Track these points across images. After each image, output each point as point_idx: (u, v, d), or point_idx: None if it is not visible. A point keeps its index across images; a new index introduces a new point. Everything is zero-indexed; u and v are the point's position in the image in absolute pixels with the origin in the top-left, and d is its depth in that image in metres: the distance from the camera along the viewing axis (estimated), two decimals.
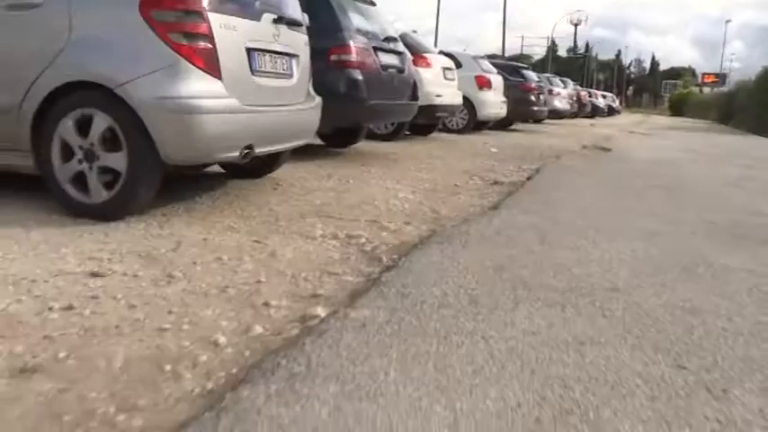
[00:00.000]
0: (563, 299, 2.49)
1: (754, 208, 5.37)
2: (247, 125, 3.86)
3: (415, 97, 7.61)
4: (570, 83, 26.08)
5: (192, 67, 3.45)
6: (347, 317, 2.22)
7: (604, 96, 39.40)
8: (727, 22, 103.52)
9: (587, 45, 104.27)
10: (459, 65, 12.39)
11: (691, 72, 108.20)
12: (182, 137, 3.43)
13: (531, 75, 16.09)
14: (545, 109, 15.97)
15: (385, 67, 6.81)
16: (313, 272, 2.93)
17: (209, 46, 3.54)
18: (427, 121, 10.18)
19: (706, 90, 70.05)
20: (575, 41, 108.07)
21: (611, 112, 38.27)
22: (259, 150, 4.06)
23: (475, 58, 12.97)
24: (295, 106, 4.57)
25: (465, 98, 12.11)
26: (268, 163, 5.07)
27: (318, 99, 5.00)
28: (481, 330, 2.11)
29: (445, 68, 10.14)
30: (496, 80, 13.03)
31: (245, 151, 3.87)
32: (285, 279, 2.80)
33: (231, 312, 2.37)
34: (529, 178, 6.47)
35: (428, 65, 9.55)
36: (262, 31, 4.10)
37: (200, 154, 3.62)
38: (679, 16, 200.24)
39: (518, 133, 14.58)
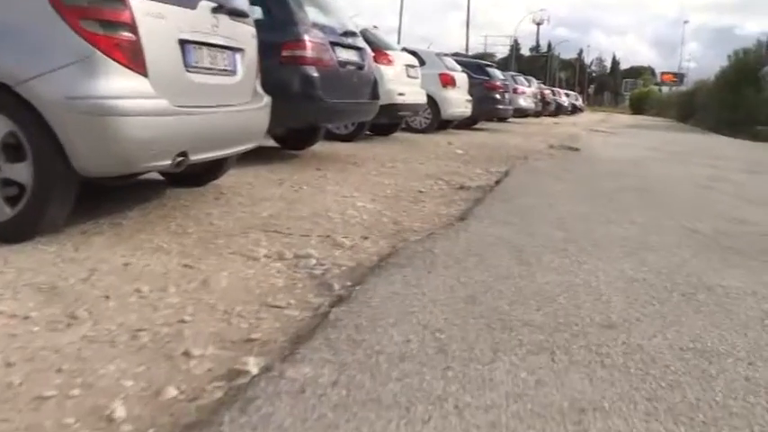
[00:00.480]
0: (551, 341, 2.05)
1: (734, 214, 5.03)
2: (180, 129, 3.36)
3: (375, 96, 7.15)
4: (534, 81, 25.89)
5: (111, 61, 2.93)
6: (283, 376, 1.76)
7: (568, 95, 39.41)
8: (685, 22, 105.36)
9: (549, 44, 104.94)
10: (422, 62, 11.96)
11: (650, 71, 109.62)
12: (97, 144, 2.92)
13: (497, 73, 15.76)
14: (510, 108, 15.65)
15: (343, 64, 6.33)
16: (251, 305, 2.46)
17: (132, 37, 3.03)
18: (389, 121, 9.73)
19: (665, 89, 70.96)
20: (537, 41, 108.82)
21: (574, 110, 38.30)
22: (196, 158, 3.56)
23: (439, 55, 12.56)
24: (239, 107, 4.08)
25: (429, 97, 11.67)
26: (211, 169, 4.56)
27: (267, 99, 4.51)
28: (453, 395, 1.66)
29: (408, 66, 9.70)
30: (461, 78, 12.63)
31: (179, 159, 3.37)
32: (215, 316, 2.32)
33: (140, 367, 1.88)
34: (497, 182, 6.06)
35: (390, 62, 9.09)
36: (198, 20, 3.60)
37: (121, 164, 3.10)
38: (638, 17, 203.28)
39: (483, 132, 14.22)
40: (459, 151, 9.03)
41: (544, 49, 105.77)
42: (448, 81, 11.97)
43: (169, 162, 3.31)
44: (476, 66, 15.01)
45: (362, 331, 2.07)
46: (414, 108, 9.79)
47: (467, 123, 15.09)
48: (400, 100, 9.09)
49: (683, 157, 10.91)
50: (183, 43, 3.42)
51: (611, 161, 9.00)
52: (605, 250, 3.39)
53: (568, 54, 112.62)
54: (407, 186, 5.55)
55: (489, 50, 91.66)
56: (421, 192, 5.36)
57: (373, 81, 7.12)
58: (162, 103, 3.16)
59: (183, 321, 2.25)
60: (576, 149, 10.83)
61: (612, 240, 3.66)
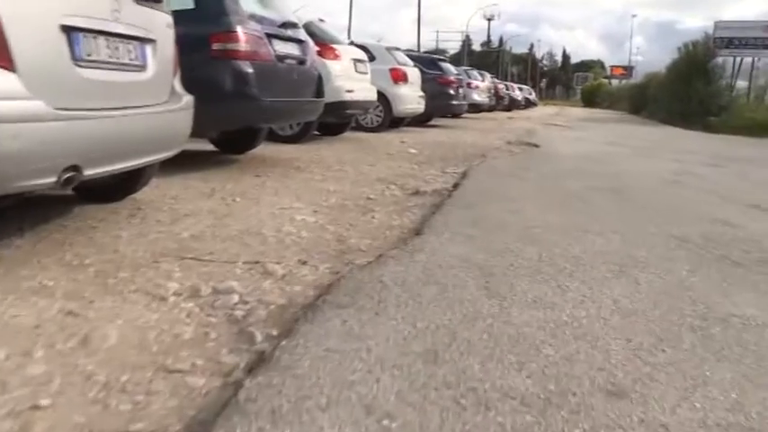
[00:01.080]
0: (545, 426, 1.48)
1: (716, 215, 4.57)
2: (67, 138, 2.70)
3: (320, 93, 6.54)
4: (488, 76, 25.54)
5: None
6: None
7: (521, 89, 39.29)
8: (634, 16, 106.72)
9: (501, 39, 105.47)
10: (372, 57, 11.38)
11: (600, 65, 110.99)
12: None
13: (450, 67, 15.26)
14: (464, 103, 15.18)
15: (282, 58, 5.71)
16: (143, 370, 1.85)
17: None
18: (337, 120, 9.13)
19: (614, 82, 71.80)
20: (488, 36, 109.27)
21: (528, 104, 38.19)
22: (93, 172, 2.91)
23: (389, 49, 11.99)
24: (151, 108, 3.43)
25: (379, 93, 11.10)
26: (127, 182, 3.91)
27: (188, 98, 3.86)
28: None
29: (356, 61, 9.10)
30: (413, 73, 12.08)
31: (68, 175, 2.72)
32: (88, 394, 1.70)
33: None
34: (455, 185, 5.51)
35: (336, 56, 8.48)
36: (91, 3, 2.95)
37: None
38: (586, 12, 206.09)
39: (438, 130, 13.70)
40: (413, 150, 8.47)
41: (495, 44, 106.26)
42: (399, 76, 11.41)
43: (54, 179, 2.66)
44: (428, 60, 14.48)
45: (281, 422, 1.46)
46: (363, 105, 9.20)
47: (420, 120, 14.55)
48: (349, 97, 8.49)
49: (645, 151, 10.55)
50: (70, 30, 2.77)
51: (573, 157, 8.55)
52: (589, 270, 2.85)
53: (520, 49, 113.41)
54: (355, 193, 4.96)
55: (441, 46, 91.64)
56: (370, 199, 4.78)
57: (317, 77, 6.51)
58: (38, 105, 2.50)
59: (36, 408, 1.62)
60: (535, 145, 10.38)
61: (595, 256, 3.13)
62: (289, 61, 5.84)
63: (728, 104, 23.75)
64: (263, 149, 7.13)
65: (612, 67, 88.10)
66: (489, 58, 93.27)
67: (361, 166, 6.59)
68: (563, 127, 17.70)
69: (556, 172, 6.68)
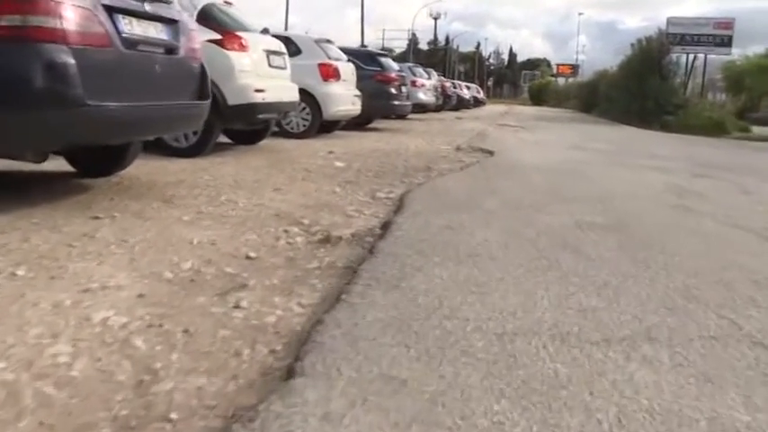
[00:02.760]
0: None
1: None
2: None
3: (203, 94, 4.76)
4: (434, 73, 23.98)
5: None
6: None
7: (469, 87, 37.92)
8: (580, 14, 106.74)
9: (447, 37, 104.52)
10: (297, 50, 9.65)
11: (546, 63, 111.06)
12: None
13: (391, 63, 13.56)
14: (408, 103, 13.50)
15: (133, 44, 3.91)
16: None
17: None
18: (246, 127, 7.37)
19: (561, 80, 71.47)
20: (435, 34, 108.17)
21: (476, 103, 36.84)
22: None
23: (319, 42, 10.21)
24: None
25: (306, 93, 9.36)
26: None
27: None
28: None
29: (271, 53, 7.33)
30: (347, 69, 10.35)
31: None
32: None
33: None
34: (385, 226, 3.81)
35: (243, 47, 6.71)
36: None
37: None
38: (530, 12, 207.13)
39: (377, 134, 11.99)
40: (340, 164, 6.75)
41: (442, 43, 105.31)
42: (330, 73, 9.67)
43: None
44: (366, 55, 12.75)
45: None
46: (280, 108, 7.43)
47: (359, 123, 12.84)
48: (259, 98, 6.73)
49: (617, 157, 9.05)
50: None
51: (540, 170, 6.95)
52: None
53: (467, 48, 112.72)
54: (230, 246, 3.23)
55: (388, 45, 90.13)
56: (250, 259, 3.06)
57: (198, 73, 4.73)
58: None
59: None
60: (490, 152, 8.78)
61: (643, 417, 1.46)
62: (146, 49, 4.05)
63: (684, 103, 22.77)
64: (143, 167, 5.36)
65: (559, 65, 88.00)
66: (436, 56, 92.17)
67: (262, 191, 4.85)
68: (517, 128, 16.21)
69: (525, 196, 5.04)
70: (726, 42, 24.96)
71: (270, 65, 7.21)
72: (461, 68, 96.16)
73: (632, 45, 25.26)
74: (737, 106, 31.72)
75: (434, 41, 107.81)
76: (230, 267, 2.89)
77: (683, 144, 13.95)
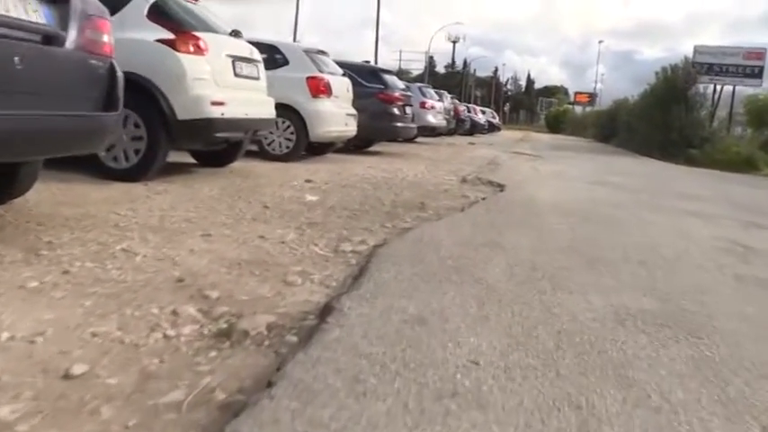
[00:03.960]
0: None
1: None
2: None
3: (110, 104, 3.50)
4: (447, 95, 22.78)
5: None
6: None
7: (483, 112, 36.71)
8: (600, 42, 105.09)
9: (465, 61, 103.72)
10: (283, 61, 8.46)
11: (563, 91, 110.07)
12: None
13: (396, 81, 12.31)
14: (413, 126, 12.22)
15: None
16: None
17: None
18: (203, 147, 6.14)
19: (578, 108, 70.35)
20: (453, 58, 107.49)
21: (491, 128, 35.60)
22: None
23: (309, 52, 8.96)
24: None
25: (291, 109, 8.16)
26: None
27: None
28: None
29: (238, 59, 6.10)
30: (340, 85, 9.10)
31: None
32: None
33: None
34: (326, 311, 2.51)
35: (199, 50, 5.49)
36: None
37: None
38: (548, 40, 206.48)
39: (375, 158, 10.71)
40: (313, 197, 5.47)
41: (460, 67, 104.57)
42: (319, 88, 8.43)
43: None
44: (368, 71, 11.49)
45: None
46: (247, 125, 6.18)
47: (357, 146, 11.61)
48: (217, 113, 5.49)
49: (648, 198, 7.72)
50: None
51: (558, 212, 5.64)
52: None
53: (484, 72, 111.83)
54: (56, 347, 1.97)
55: (405, 67, 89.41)
56: (68, 379, 1.79)
57: (103, 76, 3.47)
58: None
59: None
60: (500, 186, 7.49)
61: None
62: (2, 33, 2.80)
63: (710, 136, 21.42)
64: (65, 193, 4.15)
65: (577, 93, 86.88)
66: (453, 79, 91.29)
67: (184, 238, 3.59)
68: (532, 156, 14.90)
69: (540, 257, 3.72)
70: (756, 74, 23.61)
71: (236, 73, 5.97)
72: (478, 93, 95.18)
73: (656, 73, 23.96)
74: (760, 141, 30.34)
75: (452, 65, 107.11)
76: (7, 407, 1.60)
77: (713, 181, 12.61)
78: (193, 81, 5.36)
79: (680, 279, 3.45)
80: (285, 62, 8.55)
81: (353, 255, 3.55)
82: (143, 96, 5.25)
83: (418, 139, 17.20)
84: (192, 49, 5.43)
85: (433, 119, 16.55)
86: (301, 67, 8.50)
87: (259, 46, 8.38)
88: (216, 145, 5.92)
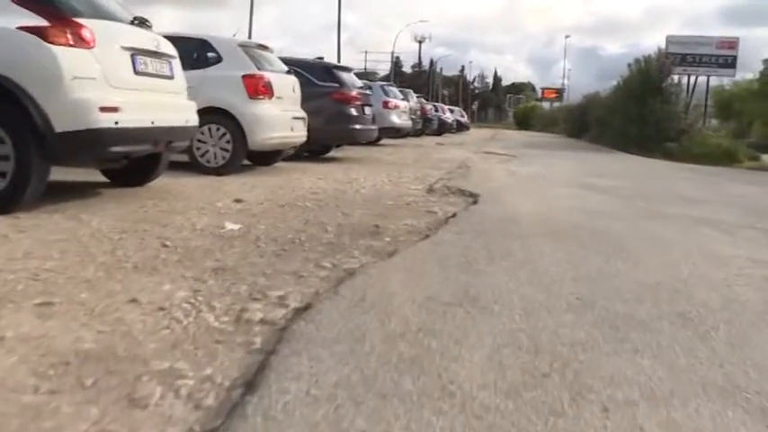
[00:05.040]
0: None
1: None
2: None
3: None
4: (413, 95, 21.63)
5: None
6: None
7: (452, 111, 35.65)
8: (567, 37, 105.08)
9: (432, 60, 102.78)
10: (216, 58, 7.24)
11: (531, 87, 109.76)
12: None
13: (353, 79, 11.08)
14: (373, 127, 11.00)
15: None
16: None
17: None
18: (96, 166, 4.90)
19: (545, 104, 69.88)
20: (419, 58, 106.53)
21: (460, 127, 34.55)
22: None
23: (246, 46, 7.70)
24: None
25: (225, 114, 6.94)
26: None
27: None
28: None
29: (141, 53, 4.84)
30: (284, 84, 7.87)
31: None
32: None
33: None
34: None
35: (83, 41, 4.25)
36: None
37: None
38: (513, 38, 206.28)
39: (330, 166, 9.50)
40: (234, 226, 4.24)
41: (426, 67, 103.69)
42: (258, 88, 7.20)
43: None
44: (320, 69, 10.23)
45: None
46: (155, 136, 4.91)
47: (313, 151, 10.41)
48: (109, 121, 4.26)
49: (644, 204, 6.62)
50: None
51: (545, 231, 4.51)
52: None
53: (450, 71, 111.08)
54: None
55: (371, 68, 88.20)
56: None
57: None
58: None
59: None
60: (473, 196, 6.36)
61: None
62: None
63: (688, 129, 20.60)
64: None
65: (544, 89, 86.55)
66: (420, 79, 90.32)
67: None
68: (505, 157, 13.80)
69: (542, 327, 2.55)
70: (730, 63, 22.90)
71: (137, 71, 4.73)
72: (445, 92, 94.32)
73: (629, 65, 23.10)
74: (729, 132, 29.81)
75: (419, 64, 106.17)
76: None
77: (703, 178, 11.64)
78: (74, 81, 4.12)
79: (752, 352, 2.30)
80: (218, 59, 7.31)
81: (261, 330, 2.36)
82: (6, 103, 4.01)
83: (382, 142, 16.05)
84: (71, 39, 4.18)
85: (397, 119, 15.39)
86: (237, 65, 7.27)
87: (186, 41, 7.19)
88: (113, 162, 4.66)
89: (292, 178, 7.27)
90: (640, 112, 20.50)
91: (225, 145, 7.09)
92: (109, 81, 4.36)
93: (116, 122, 4.29)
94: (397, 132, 15.89)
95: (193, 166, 7.18)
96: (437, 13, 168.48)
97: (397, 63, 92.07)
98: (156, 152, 5.29)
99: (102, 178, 5.86)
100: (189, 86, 6.71)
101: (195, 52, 7.42)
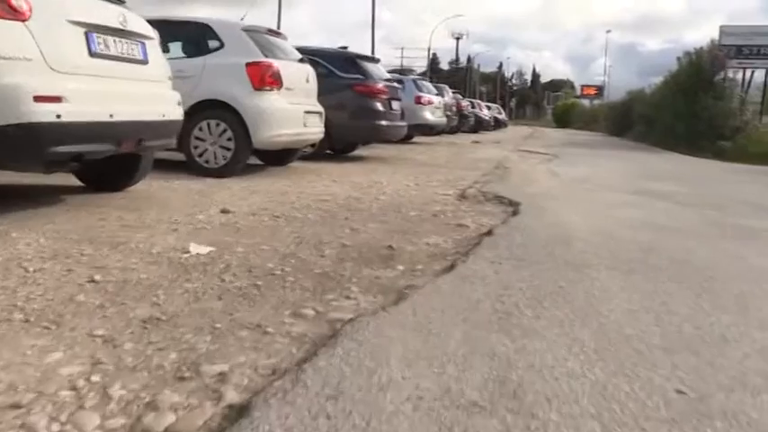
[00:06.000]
0: None
1: None
2: None
3: None
4: (448, 90, 20.55)
5: None
6: None
7: (489, 107, 34.45)
8: (608, 32, 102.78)
9: (469, 57, 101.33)
10: (218, 44, 6.35)
11: (569, 84, 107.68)
12: None
13: (379, 71, 10.05)
14: (402, 124, 9.97)
15: None
16: None
17: None
18: (35, 169, 4.00)
19: (585, 102, 68.23)
20: (456, 54, 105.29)
21: (497, 124, 33.33)
22: None
23: (252, 31, 6.73)
24: None
25: (226, 107, 6.03)
26: None
27: None
28: None
29: (96, 29, 3.91)
30: (296, 73, 6.90)
31: None
32: None
33: None
34: None
35: (12, 11, 3.32)
36: None
37: None
38: (551, 34, 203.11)
39: (351, 166, 8.52)
40: (202, 249, 3.28)
41: (464, 64, 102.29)
42: (264, 78, 6.26)
43: None
44: (342, 59, 9.23)
45: None
46: (118, 133, 3.97)
47: (338, 150, 9.47)
48: (50, 114, 3.35)
49: (725, 218, 5.48)
50: None
51: (611, 259, 3.47)
52: None
53: (488, 68, 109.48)
54: None
55: (408, 65, 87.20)
56: None
57: None
58: None
59: None
60: (512, 205, 5.34)
61: None
62: None
63: (743, 126, 19.15)
64: None
65: (583, 86, 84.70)
66: (457, 76, 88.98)
67: None
68: (546, 156, 12.68)
69: None
70: None
71: (93, 52, 3.80)
72: (483, 89, 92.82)
73: (678, 59, 21.69)
74: None
75: (456, 61, 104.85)
76: None
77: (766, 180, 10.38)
78: (9, 68, 3.20)
79: None
80: (220, 45, 6.38)
81: None
82: None
83: (414, 139, 15.05)
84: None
85: (430, 116, 14.35)
86: (240, 51, 6.33)
87: (183, 25, 6.34)
88: (60, 165, 3.73)
89: (303, 181, 6.32)
90: (691, 108, 19.15)
91: (226, 143, 6.17)
92: (50, 64, 3.44)
93: (58, 116, 3.38)
94: (430, 129, 14.86)
95: (191, 167, 6.28)
96: (474, 10, 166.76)
97: (434, 60, 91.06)
98: (131, 152, 4.38)
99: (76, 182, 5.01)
100: (187, 77, 5.87)
101: (194, 38, 6.53)
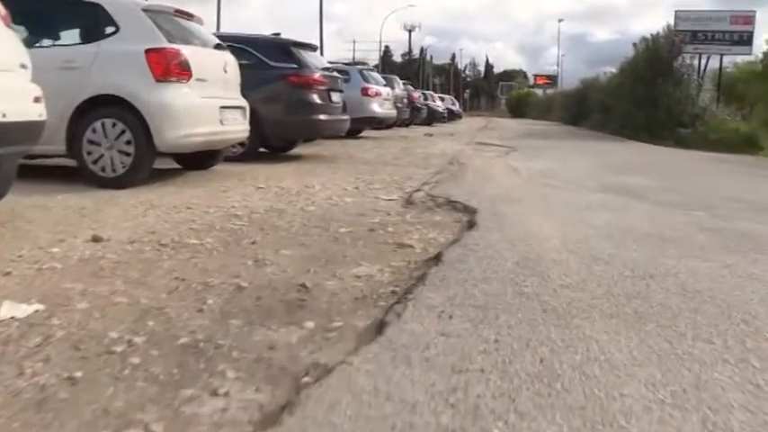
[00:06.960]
0: None
1: None
2: None
3: None
4: (398, 81, 19.62)
5: None
6: None
7: (442, 99, 33.63)
8: (560, 21, 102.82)
9: (422, 49, 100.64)
10: (113, 28, 5.24)
11: (522, 74, 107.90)
12: None
13: (315, 59, 9.04)
14: (343, 117, 8.94)
15: None
16: None
17: None
18: None
19: (538, 91, 68.23)
20: (409, 46, 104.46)
21: (452, 116, 32.53)
22: None
23: (155, 12, 5.62)
24: None
25: (123, 103, 4.98)
26: None
27: None
28: None
29: None
30: (212, 63, 5.84)
31: None
32: None
33: None
34: None
35: None
36: None
37: None
38: (502, 25, 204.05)
39: (285, 167, 7.48)
40: (20, 312, 2.25)
41: (417, 56, 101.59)
42: (169, 68, 5.21)
43: None
44: (274, 47, 8.18)
45: None
46: None
47: (275, 148, 8.45)
48: None
49: (716, 221, 4.63)
50: None
51: (606, 304, 2.54)
52: None
53: (441, 60, 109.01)
54: None
55: (360, 58, 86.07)
56: None
57: None
58: None
59: None
60: (468, 212, 4.44)
61: None
62: None
63: (702, 113, 18.69)
64: None
65: (536, 76, 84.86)
66: (411, 68, 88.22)
67: None
68: (504, 149, 11.83)
69: None
70: (745, 40, 20.88)
71: None
72: (437, 80, 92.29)
73: (635, 45, 21.16)
74: (745, 115, 27.86)
75: (409, 53, 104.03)
76: None
77: (744, 171, 9.71)
78: None
79: None
80: (115, 30, 5.30)
81: None
82: None
83: (364, 134, 14.08)
84: None
85: (378, 108, 13.39)
86: (139, 36, 5.26)
87: (71, 5, 5.22)
88: None
89: (219, 190, 5.29)
90: (650, 95, 18.61)
91: (125, 147, 5.11)
92: None
93: None
94: (379, 123, 13.91)
95: (85, 176, 5.21)
96: (427, 2, 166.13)
97: (386, 52, 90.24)
98: None
99: None
100: (75, 68, 4.83)
101: (83, 20, 5.44)
